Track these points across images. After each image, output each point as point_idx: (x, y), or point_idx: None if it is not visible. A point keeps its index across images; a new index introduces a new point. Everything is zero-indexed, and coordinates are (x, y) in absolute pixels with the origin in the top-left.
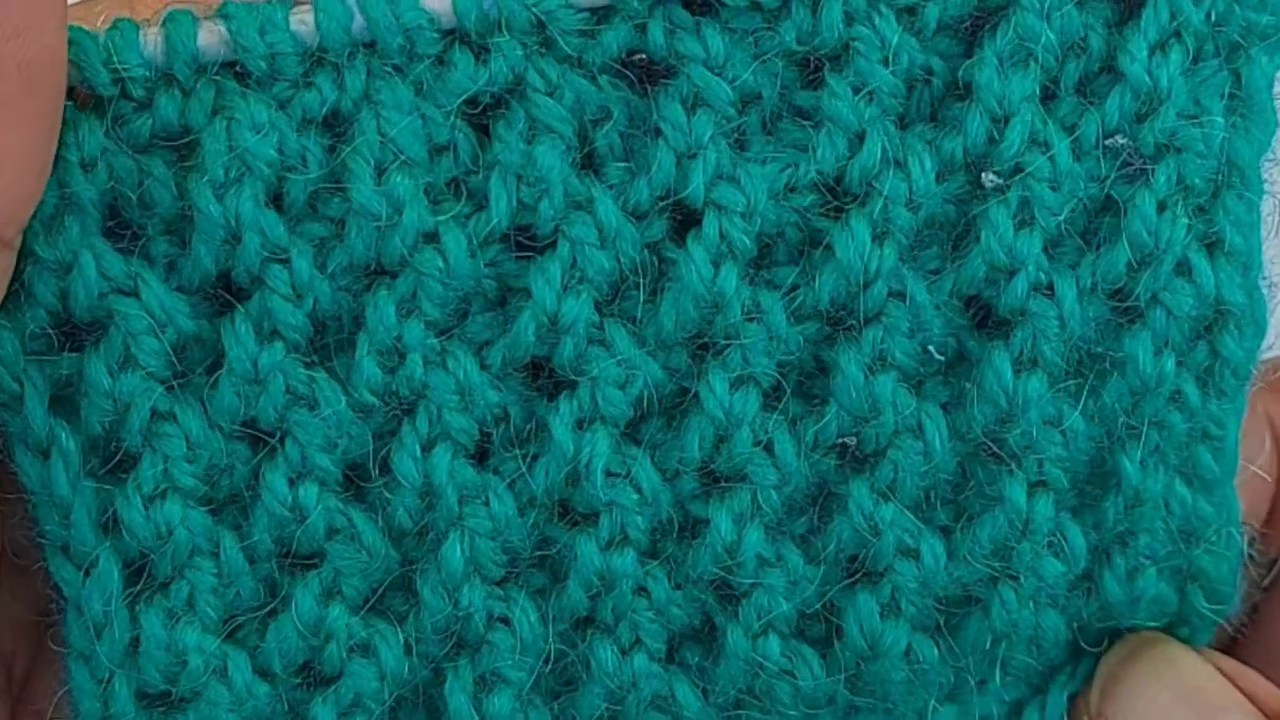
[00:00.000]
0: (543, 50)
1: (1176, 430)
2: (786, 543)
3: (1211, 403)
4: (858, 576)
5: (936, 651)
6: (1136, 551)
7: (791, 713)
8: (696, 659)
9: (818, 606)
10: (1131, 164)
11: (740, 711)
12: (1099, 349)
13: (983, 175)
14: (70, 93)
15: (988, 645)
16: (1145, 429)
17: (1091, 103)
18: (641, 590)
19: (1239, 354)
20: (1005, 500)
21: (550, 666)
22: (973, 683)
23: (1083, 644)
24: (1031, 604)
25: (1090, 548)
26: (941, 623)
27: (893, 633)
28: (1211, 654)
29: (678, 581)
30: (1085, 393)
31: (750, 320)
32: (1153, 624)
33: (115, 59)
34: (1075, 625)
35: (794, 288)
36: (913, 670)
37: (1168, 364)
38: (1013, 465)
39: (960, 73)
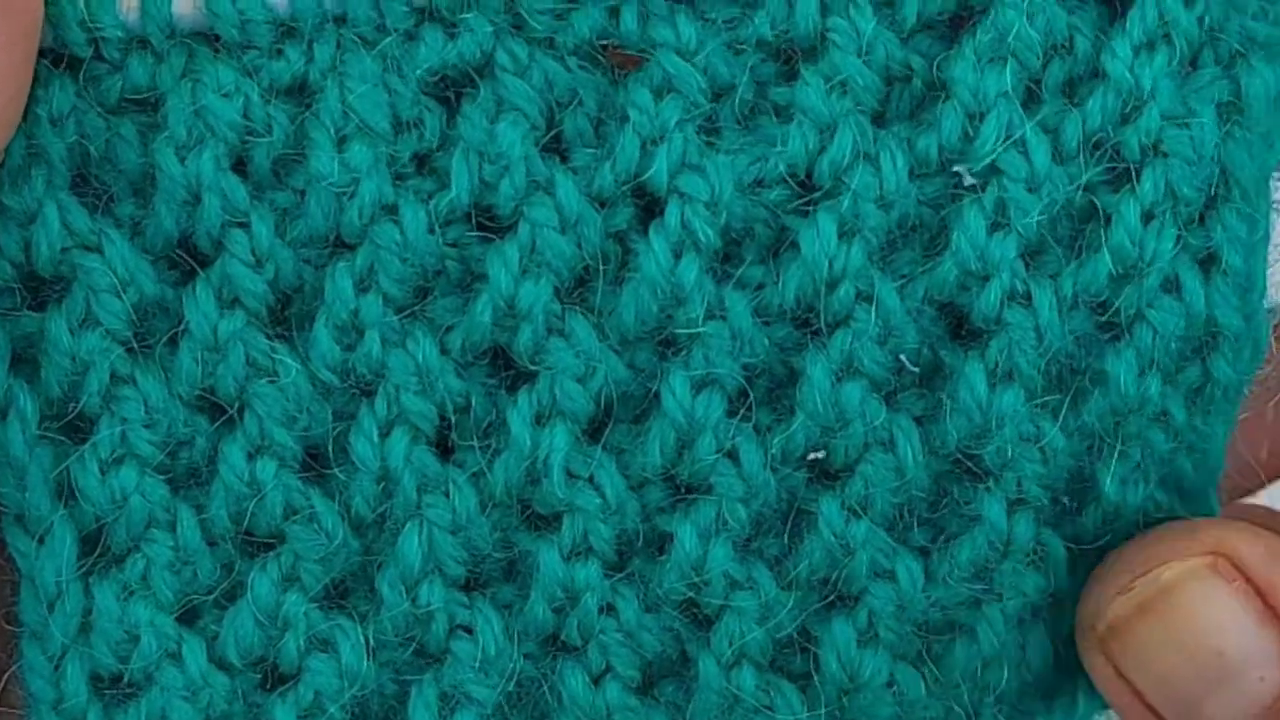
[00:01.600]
0: (514, 30)
1: (1159, 449)
2: (757, 564)
3: (1197, 419)
4: (832, 601)
5: (923, 683)
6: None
7: None
8: (672, 693)
9: (793, 633)
10: (1116, 169)
11: None
12: (1080, 364)
13: (957, 168)
14: (46, 54)
15: (979, 672)
16: (1128, 447)
17: (1075, 105)
18: (609, 609)
19: (1233, 378)
20: (984, 520)
21: (519, 692)
22: (965, 716)
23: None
24: (1018, 626)
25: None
26: (924, 650)
27: (872, 661)
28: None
29: (648, 604)
30: (1065, 409)
31: (713, 318)
32: None
33: (91, 20)
34: (1057, 640)
35: (760, 287)
36: (899, 704)
37: (1152, 384)
38: (990, 483)
39: (937, 69)
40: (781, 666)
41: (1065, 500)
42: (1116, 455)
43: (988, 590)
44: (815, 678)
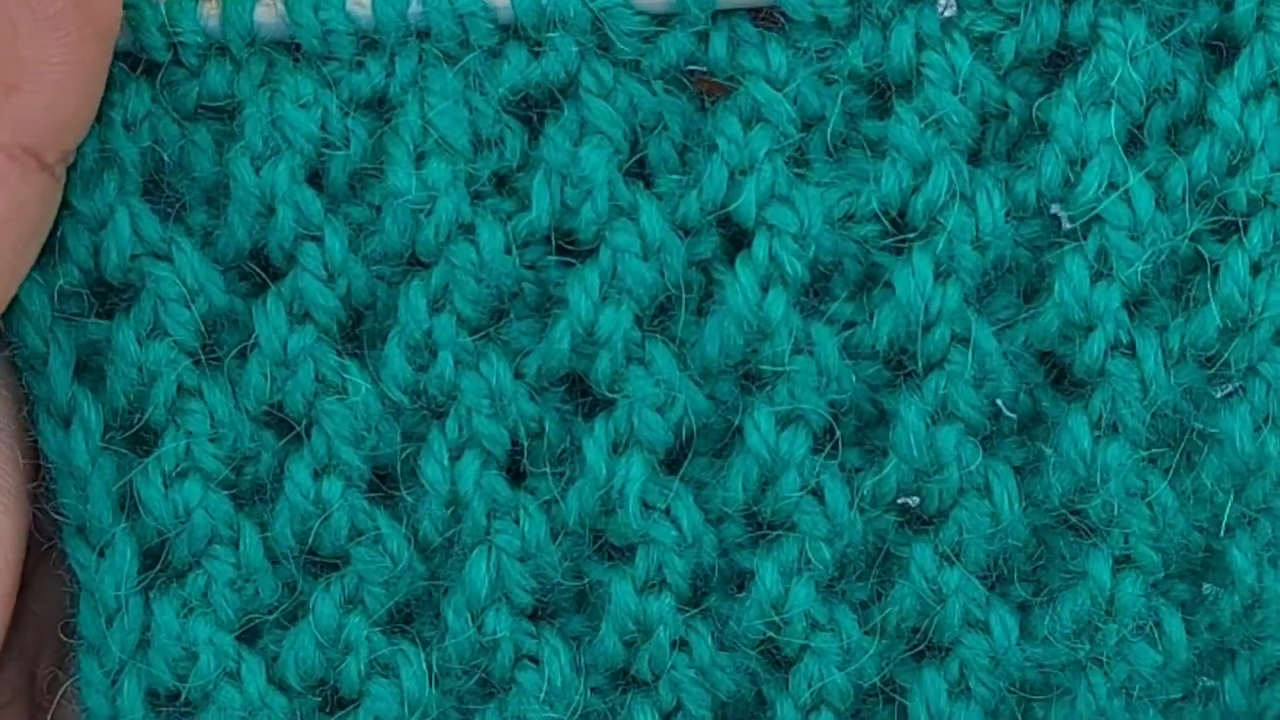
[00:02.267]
0: (600, 52)
1: None
2: (842, 607)
3: None
4: (922, 650)
5: None
6: (1264, 657)
7: None
8: None
9: (877, 682)
10: (1221, 219)
11: None
12: (1191, 421)
13: (1055, 210)
14: (124, 58)
15: None
16: (1255, 516)
17: (1180, 153)
18: (682, 644)
19: None
20: (1088, 575)
21: None
22: None
23: None
24: (1125, 697)
25: (1209, 648)
26: (1020, 713)
27: (964, 714)
28: None
29: (724, 642)
30: (1177, 467)
31: (800, 353)
32: None
33: (171, 25)
34: None
35: (850, 324)
36: None
37: (1270, 443)
38: (1096, 540)
39: (1037, 110)
40: (865, 718)
41: (1197, 583)
42: (1243, 526)
43: (1090, 652)
44: None
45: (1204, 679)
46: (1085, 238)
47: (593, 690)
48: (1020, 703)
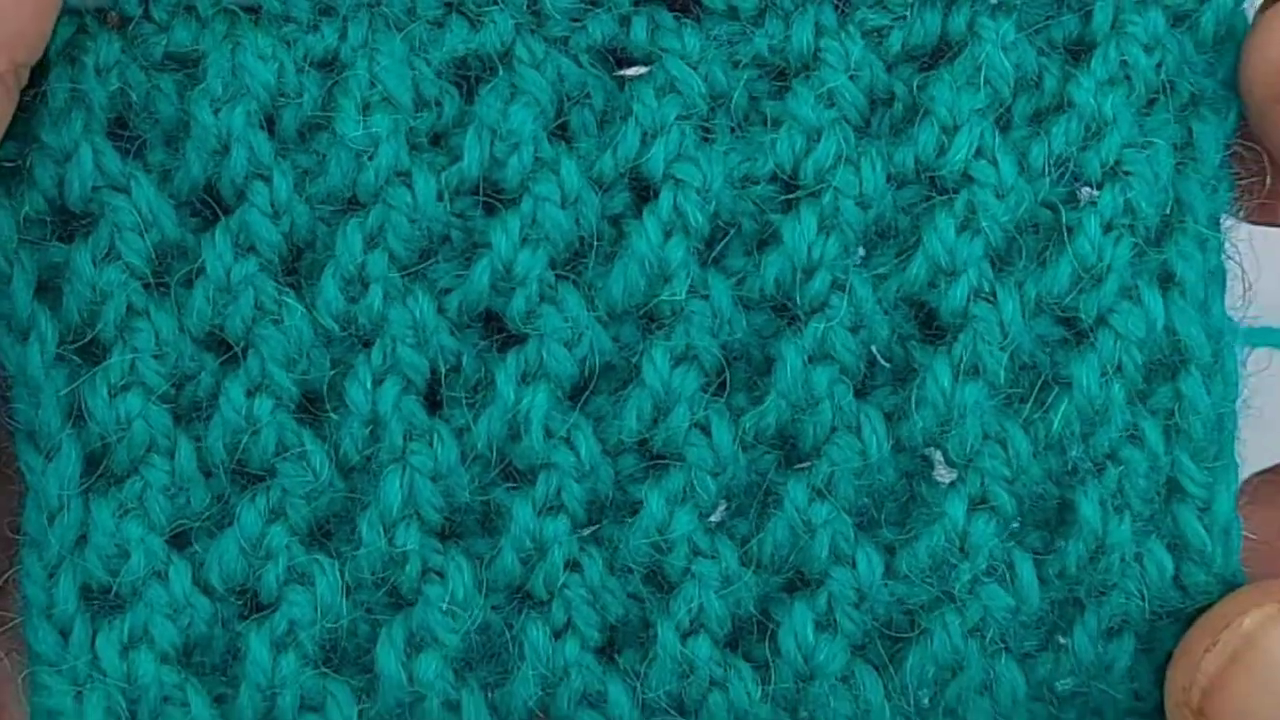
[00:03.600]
0: (533, 28)
1: (1136, 469)
2: (723, 538)
3: (1181, 452)
4: (794, 585)
5: (881, 688)
6: (1111, 610)
7: None
8: (632, 661)
9: (756, 615)
10: (1079, 190)
11: None
12: (1045, 370)
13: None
14: (102, 16)
15: (931, 676)
16: (1104, 465)
17: (1042, 133)
18: (575, 565)
19: (1204, 399)
20: (945, 515)
21: (484, 642)
22: None
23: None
24: (979, 640)
25: (1058, 599)
26: (886, 655)
27: (829, 648)
28: None
29: (614, 567)
30: (1030, 411)
31: (696, 296)
32: (1138, 708)
33: None
34: (1040, 684)
35: (743, 277)
36: (856, 703)
37: (1115, 391)
38: (956, 482)
39: (918, 95)
40: (744, 652)
41: (1050, 533)
42: (1091, 474)
43: (945, 588)
44: (774, 665)
45: (1058, 636)
46: (957, 195)
47: (492, 608)
48: (885, 642)
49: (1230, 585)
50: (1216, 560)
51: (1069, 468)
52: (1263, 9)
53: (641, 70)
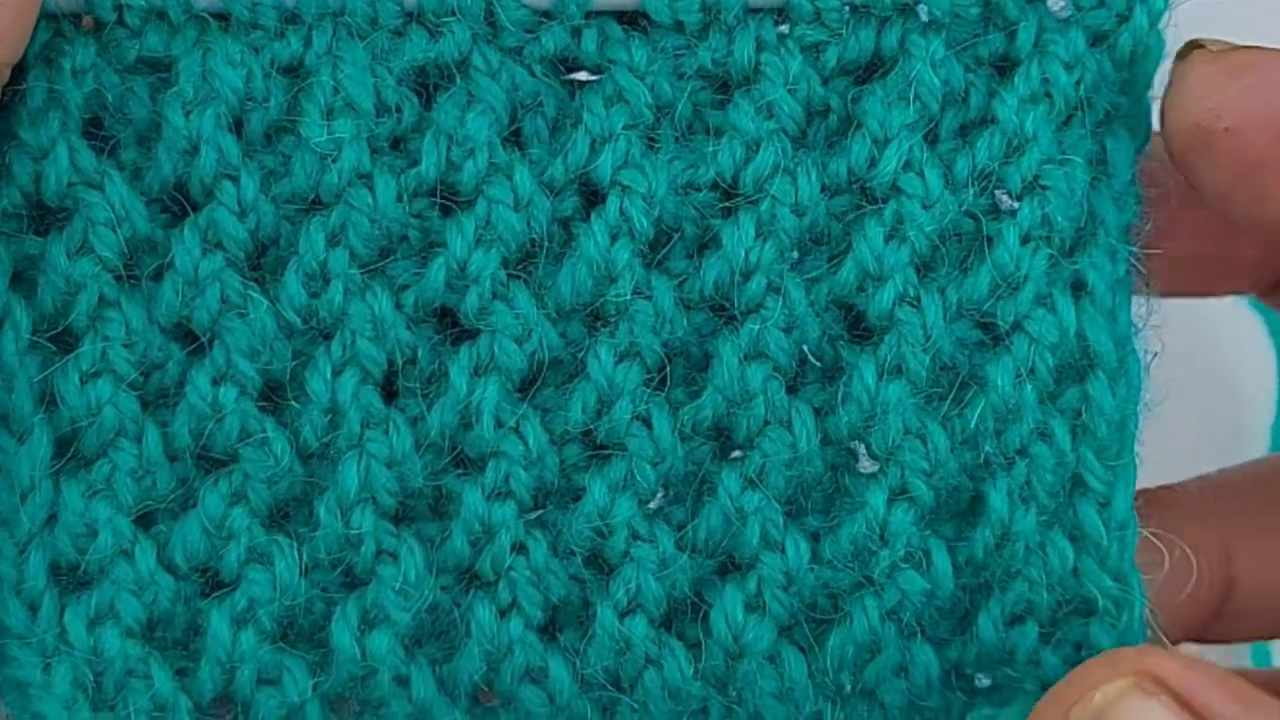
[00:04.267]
0: (490, 39)
1: (1044, 464)
2: (661, 524)
3: (1086, 450)
4: (727, 568)
5: (805, 667)
6: (1015, 598)
7: (663, 713)
8: (571, 639)
9: (689, 593)
10: (1001, 209)
11: (615, 706)
12: (964, 372)
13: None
14: (78, 20)
15: (850, 657)
16: (1014, 460)
17: (967, 146)
18: (521, 548)
19: (1109, 401)
20: (866, 505)
21: (433, 620)
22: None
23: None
24: (896, 623)
25: (969, 586)
26: (810, 636)
27: (757, 628)
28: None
29: (558, 550)
30: (948, 408)
31: (640, 296)
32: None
33: None
34: (951, 668)
35: (684, 279)
36: (781, 681)
37: (1028, 392)
38: (878, 474)
39: (851, 108)
40: (678, 631)
41: (962, 523)
42: (1001, 467)
43: (865, 573)
44: (704, 642)
45: (968, 623)
46: (885, 205)
47: (442, 588)
48: (810, 624)
49: (1121, 579)
50: (1112, 555)
51: (981, 461)
52: (1177, 59)
53: (588, 76)
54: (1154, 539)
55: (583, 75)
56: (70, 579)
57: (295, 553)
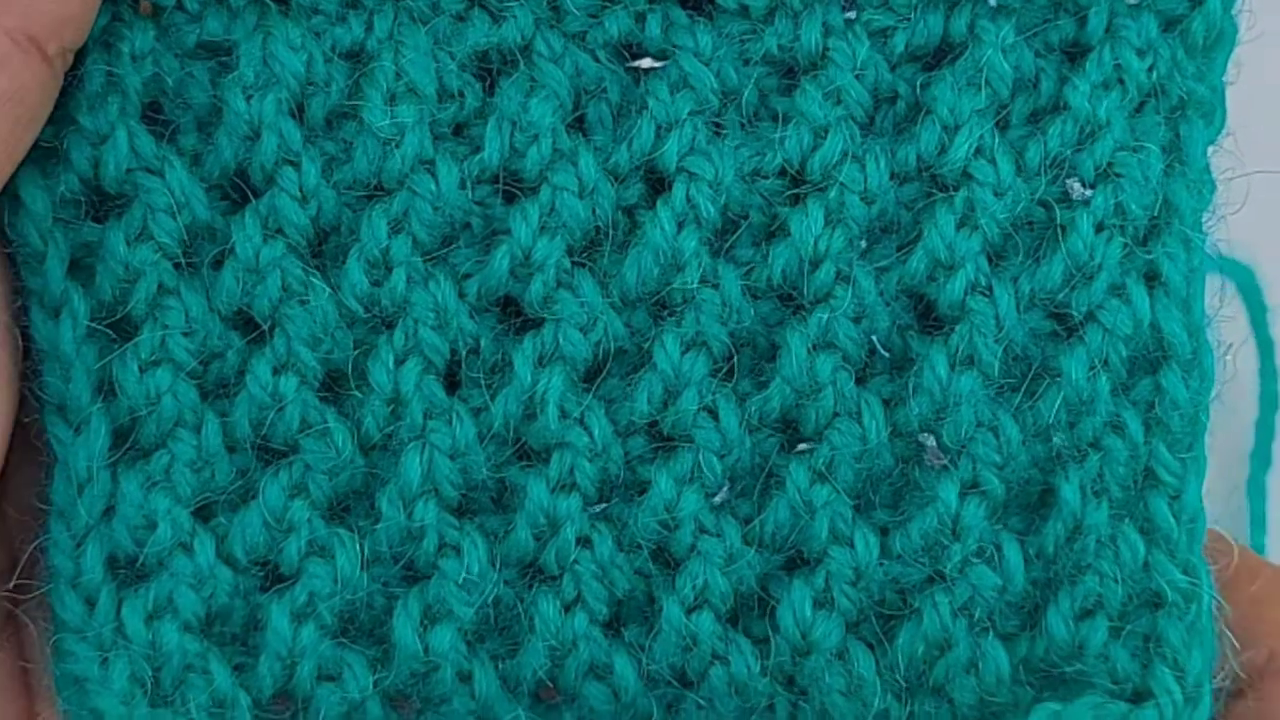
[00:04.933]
0: (552, 24)
1: (1117, 457)
2: (727, 518)
3: (1158, 442)
4: (794, 563)
5: (874, 664)
6: (1085, 592)
7: (729, 710)
8: (637, 635)
9: (757, 591)
10: (1073, 196)
11: (680, 703)
12: (1036, 362)
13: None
14: (136, 3)
15: (920, 654)
16: (1086, 452)
17: (1039, 133)
18: (585, 542)
19: (1183, 393)
20: (938, 499)
21: (496, 615)
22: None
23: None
24: (967, 619)
25: (1038, 580)
26: (879, 631)
27: (825, 624)
28: None
29: (623, 544)
30: (1021, 400)
31: (707, 285)
32: (1113, 689)
33: None
34: (1019, 665)
35: (751, 267)
36: (849, 678)
37: (1102, 383)
38: (949, 465)
39: (920, 95)
40: (745, 627)
41: (1032, 515)
42: (1074, 460)
43: (937, 568)
44: (772, 640)
45: (1037, 617)
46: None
47: (505, 582)
48: (879, 620)
49: (1191, 572)
50: (1181, 547)
51: (1053, 454)
52: None
53: (653, 63)
54: (1221, 531)
55: (647, 63)
56: (127, 572)
57: (356, 546)
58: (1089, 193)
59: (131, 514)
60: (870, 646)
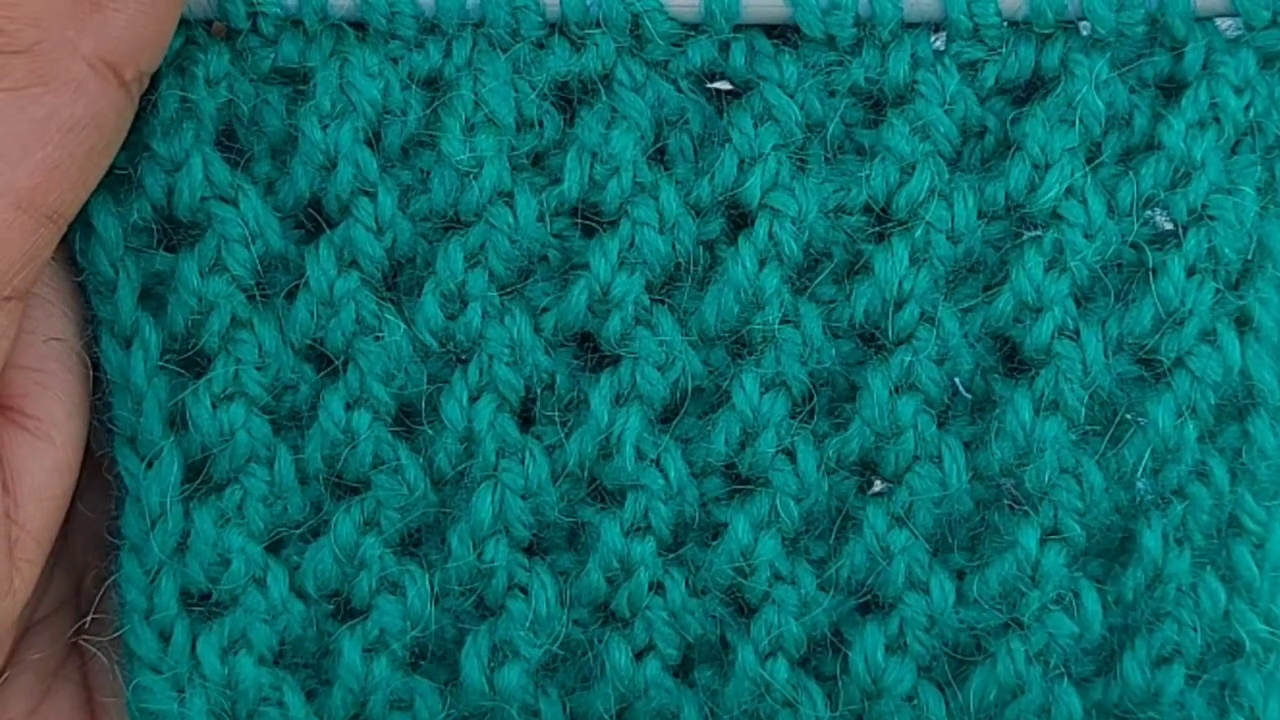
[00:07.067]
0: (634, 51)
1: (1201, 505)
2: (802, 562)
3: (1244, 490)
4: (868, 607)
5: (944, 707)
6: (1163, 639)
7: None
8: (708, 680)
9: (828, 634)
10: (1165, 235)
11: None
12: (1122, 408)
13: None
14: (208, 25)
15: (992, 699)
16: (1170, 500)
17: (1131, 173)
18: (659, 587)
19: (1271, 441)
20: (1017, 544)
21: (566, 655)
22: None
23: None
24: (1042, 665)
25: (1115, 626)
26: (950, 674)
27: (897, 670)
28: None
29: (696, 588)
30: (1105, 447)
31: (788, 324)
32: None
33: None
34: (1092, 710)
35: (833, 304)
36: None
37: (1188, 430)
38: (1029, 511)
39: (1010, 130)
40: (814, 668)
41: (1112, 562)
42: (1156, 507)
43: (1013, 615)
44: (841, 680)
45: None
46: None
47: (575, 623)
48: (950, 663)
49: (1272, 622)
50: (1263, 596)
51: (1135, 500)
52: None
53: (730, 85)
54: None
55: (723, 84)
56: (201, 608)
57: (427, 582)
58: (1170, 224)
59: (205, 550)
60: (940, 688)
